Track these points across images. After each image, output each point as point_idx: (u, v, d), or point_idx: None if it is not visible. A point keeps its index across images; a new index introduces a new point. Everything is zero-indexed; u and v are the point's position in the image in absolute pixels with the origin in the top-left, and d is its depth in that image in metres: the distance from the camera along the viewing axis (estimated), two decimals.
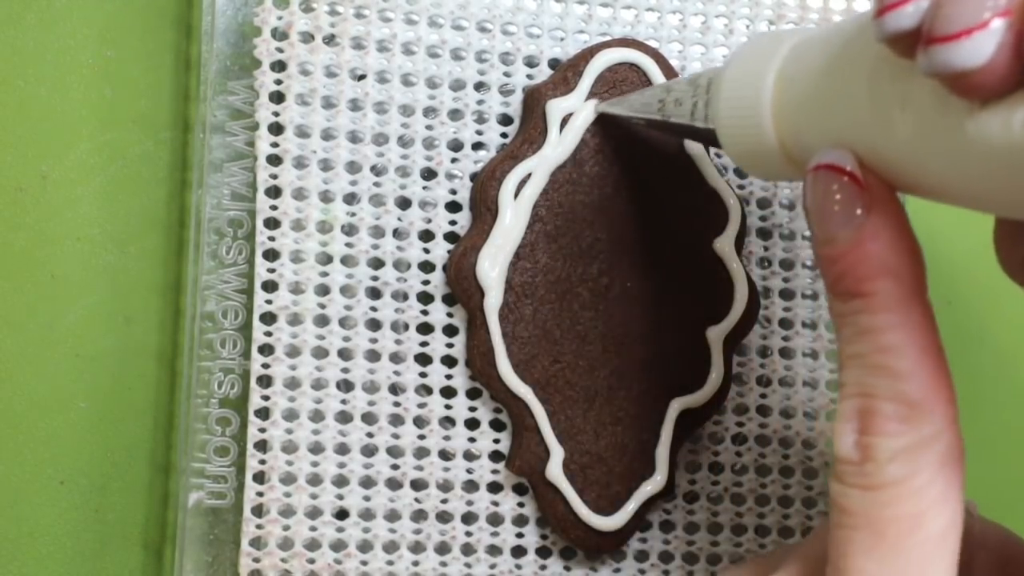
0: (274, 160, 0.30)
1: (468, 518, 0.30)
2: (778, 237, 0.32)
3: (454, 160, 0.31)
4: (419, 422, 0.30)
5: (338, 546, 0.30)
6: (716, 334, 0.31)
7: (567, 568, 0.31)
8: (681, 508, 0.32)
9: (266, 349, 0.29)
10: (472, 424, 0.30)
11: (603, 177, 0.30)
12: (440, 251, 0.30)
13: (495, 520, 0.30)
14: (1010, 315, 0.36)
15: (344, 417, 0.30)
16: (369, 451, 0.30)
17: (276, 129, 0.30)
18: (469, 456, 0.30)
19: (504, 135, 0.31)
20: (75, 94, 0.31)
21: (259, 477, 0.29)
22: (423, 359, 0.30)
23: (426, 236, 0.30)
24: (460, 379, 0.30)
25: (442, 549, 0.30)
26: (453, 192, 0.30)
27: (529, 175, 0.30)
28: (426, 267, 0.30)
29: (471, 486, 0.30)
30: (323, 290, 0.30)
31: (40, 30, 0.31)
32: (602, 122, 0.30)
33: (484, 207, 0.30)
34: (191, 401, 0.29)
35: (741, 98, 0.23)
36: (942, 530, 0.20)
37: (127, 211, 0.31)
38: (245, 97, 0.30)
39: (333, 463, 0.30)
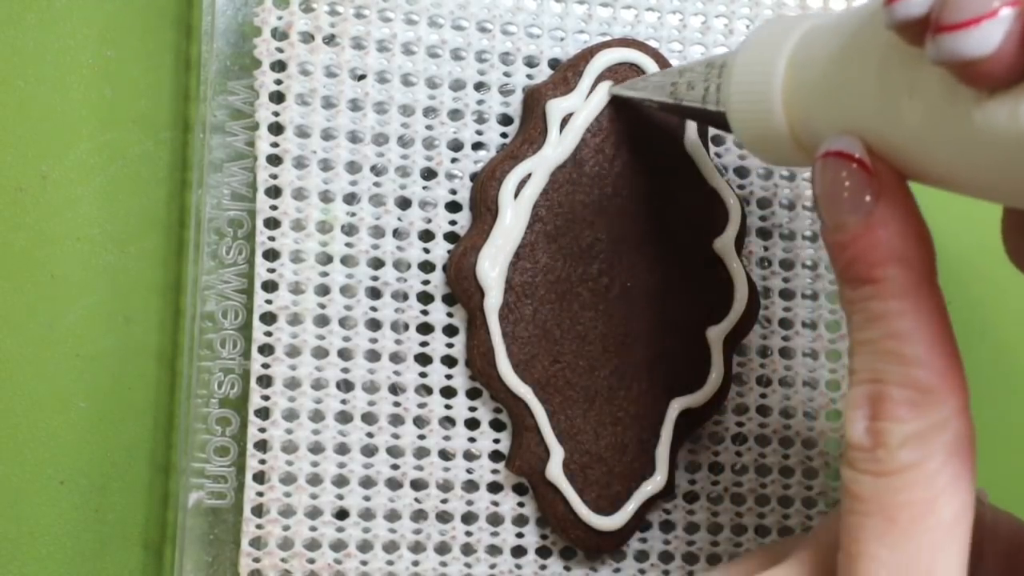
0: (274, 160, 0.30)
1: (468, 518, 0.30)
2: (778, 237, 0.32)
3: (454, 160, 0.31)
4: (419, 422, 0.30)
5: (338, 546, 0.30)
6: (716, 334, 0.31)
7: (567, 568, 0.31)
8: (681, 508, 0.32)
9: (266, 349, 0.29)
10: (472, 424, 0.30)
11: (603, 177, 0.30)
12: (440, 251, 0.30)
13: (495, 520, 0.30)
14: (1011, 309, 0.37)
15: (344, 417, 0.30)
16: (369, 451, 0.30)
17: (276, 129, 0.30)
18: (469, 456, 0.30)
19: (504, 135, 0.31)
20: (75, 94, 0.31)
21: (259, 477, 0.29)
22: (423, 359, 0.30)
23: (426, 236, 0.30)
24: (460, 379, 0.30)
25: (442, 549, 0.30)
26: (453, 192, 0.30)
27: (529, 175, 0.30)
28: (426, 267, 0.30)
29: (471, 486, 0.30)
30: (323, 290, 0.30)
31: (40, 30, 0.31)
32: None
33: (484, 207, 0.30)
34: (191, 401, 0.29)
35: (752, 83, 0.24)
36: (954, 516, 0.20)
37: (127, 211, 0.31)
38: (245, 97, 0.30)
39: (333, 463, 0.30)
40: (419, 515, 0.30)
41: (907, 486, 0.20)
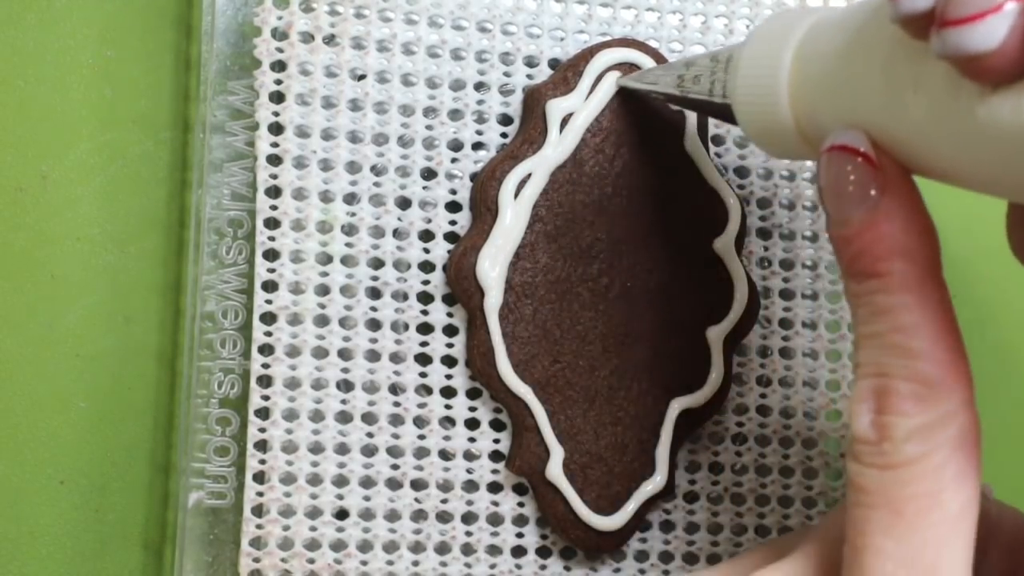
0: (274, 160, 0.30)
1: (468, 518, 0.30)
2: (778, 237, 0.32)
3: (454, 160, 0.31)
4: (419, 422, 0.30)
5: (338, 546, 0.30)
6: (716, 334, 0.31)
7: (567, 568, 0.31)
8: (681, 508, 0.32)
9: (266, 349, 0.29)
10: (472, 424, 0.30)
11: (603, 177, 0.30)
12: (440, 251, 0.30)
13: (495, 520, 0.30)
14: (1011, 306, 0.37)
15: (344, 417, 0.30)
16: (369, 451, 0.30)
17: (276, 129, 0.30)
18: (469, 456, 0.30)
19: (504, 135, 0.31)
20: (75, 94, 0.31)
21: (259, 477, 0.29)
22: (423, 359, 0.30)
23: (426, 236, 0.30)
24: (460, 379, 0.30)
25: (442, 549, 0.30)
26: (453, 192, 0.30)
27: (529, 175, 0.30)
28: (426, 267, 0.30)
29: (471, 486, 0.30)
30: (323, 290, 0.30)
31: (40, 30, 0.31)
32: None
33: (484, 207, 0.30)
34: (191, 401, 0.29)
35: (759, 76, 0.24)
36: (959, 510, 0.20)
37: (127, 211, 0.31)
38: (245, 97, 0.30)
39: (333, 463, 0.30)
40: (419, 515, 0.30)
41: (913, 479, 0.20)
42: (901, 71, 0.20)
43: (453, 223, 0.30)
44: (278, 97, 0.30)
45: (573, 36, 0.31)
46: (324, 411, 0.30)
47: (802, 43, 0.23)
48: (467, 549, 0.30)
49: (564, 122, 0.30)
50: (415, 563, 0.30)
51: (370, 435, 0.30)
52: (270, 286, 0.29)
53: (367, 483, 0.30)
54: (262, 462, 0.29)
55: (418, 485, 0.30)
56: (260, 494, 0.29)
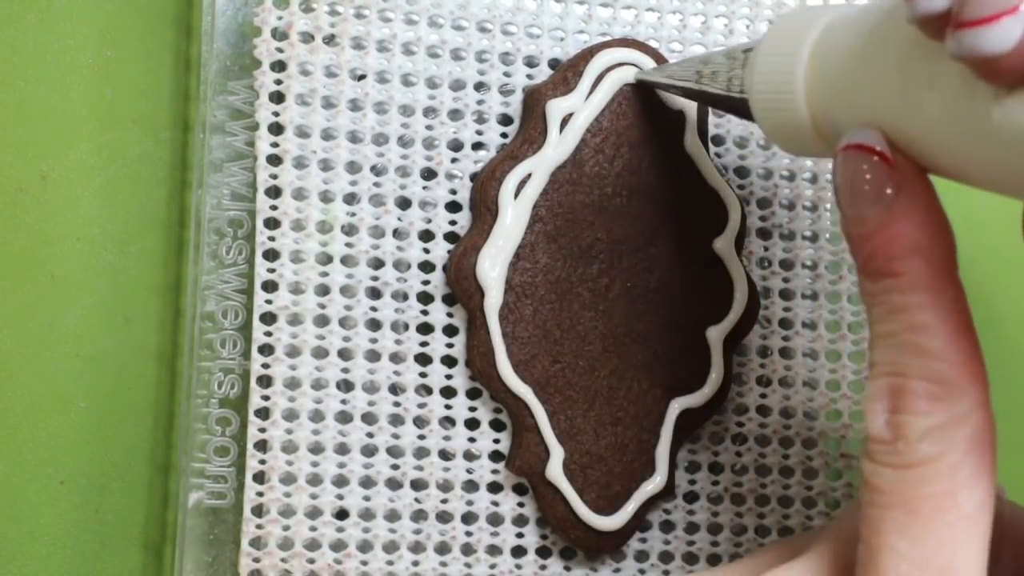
0: (274, 160, 0.30)
1: (468, 518, 0.30)
2: (778, 237, 0.32)
3: (454, 160, 0.31)
4: (419, 422, 0.30)
5: (338, 546, 0.30)
6: (716, 334, 0.31)
7: (567, 568, 0.31)
8: (681, 508, 0.32)
9: (266, 349, 0.29)
10: (472, 424, 0.30)
11: (603, 177, 0.30)
12: (440, 251, 0.30)
13: (495, 520, 0.30)
14: (1017, 307, 0.36)
15: (344, 417, 0.30)
16: (369, 451, 0.30)
17: (276, 129, 0.30)
18: (469, 456, 0.30)
19: (504, 135, 0.31)
20: (75, 94, 0.31)
21: (259, 477, 0.29)
22: (423, 359, 0.30)
23: (426, 236, 0.30)
24: (460, 379, 0.30)
25: (442, 549, 0.30)
26: (453, 192, 0.30)
27: (529, 175, 0.30)
28: (426, 267, 0.30)
29: (471, 486, 0.30)
30: (323, 290, 0.30)
31: (40, 30, 0.31)
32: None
33: (484, 207, 0.30)
34: (191, 401, 0.29)
35: (776, 72, 0.24)
36: (974, 510, 0.20)
37: (127, 211, 0.31)
38: (245, 97, 0.30)
39: (333, 463, 0.30)
40: (419, 515, 0.30)
41: (928, 479, 0.20)
42: (917, 70, 0.20)
43: (453, 223, 0.30)
44: (278, 97, 0.30)
45: (573, 36, 0.31)
46: (324, 411, 0.30)
47: (819, 40, 0.23)
48: (467, 549, 0.30)
49: (564, 122, 0.30)
50: (415, 563, 0.30)
51: (370, 435, 0.30)
52: (270, 286, 0.29)
53: (367, 483, 0.30)
54: (262, 462, 0.29)
55: (418, 485, 0.30)
56: (260, 494, 0.29)
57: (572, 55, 0.31)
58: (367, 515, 0.30)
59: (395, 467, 0.30)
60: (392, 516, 0.30)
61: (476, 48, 0.31)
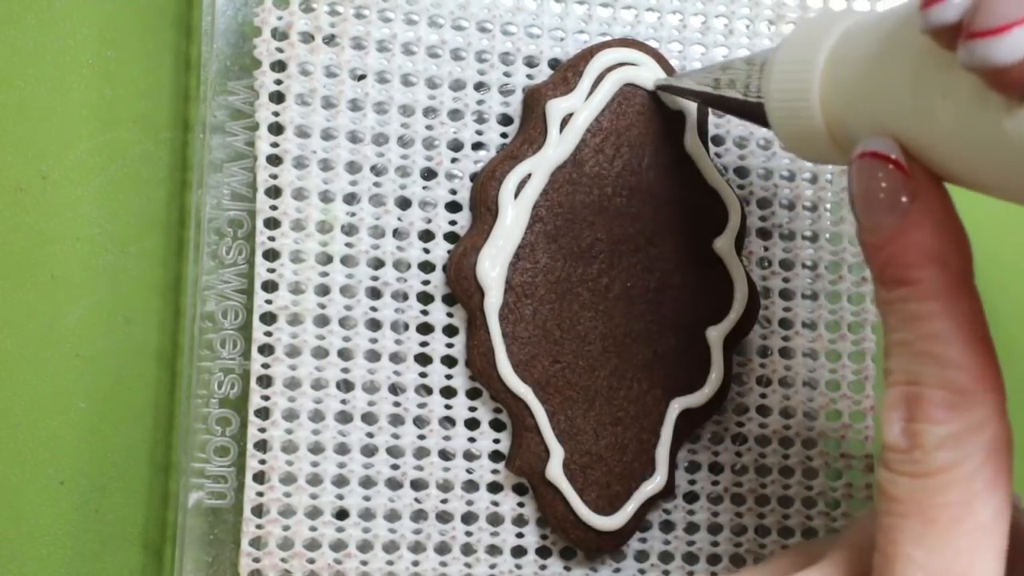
0: (274, 160, 0.30)
1: (468, 518, 0.30)
2: (778, 237, 0.32)
3: (454, 160, 0.31)
4: (419, 422, 0.30)
5: (338, 546, 0.30)
6: (716, 334, 0.31)
7: (567, 568, 0.31)
8: (681, 508, 0.32)
9: (266, 349, 0.29)
10: (472, 424, 0.30)
11: (603, 177, 0.30)
12: (440, 251, 0.30)
13: (495, 520, 0.30)
14: (1020, 311, 0.36)
15: (344, 417, 0.30)
16: (369, 451, 0.30)
17: (276, 129, 0.30)
18: (469, 456, 0.30)
19: (504, 135, 0.31)
20: (75, 94, 0.31)
21: (259, 477, 0.29)
22: (423, 359, 0.30)
23: (426, 236, 0.30)
24: (460, 379, 0.30)
25: (442, 549, 0.30)
26: (453, 192, 0.30)
27: (529, 175, 0.30)
28: (426, 267, 0.30)
29: (471, 486, 0.30)
30: (323, 290, 0.30)
31: (40, 30, 0.31)
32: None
33: (484, 207, 0.30)
34: (191, 401, 0.29)
35: (792, 79, 0.24)
36: (991, 519, 0.20)
37: (127, 211, 0.31)
38: (245, 97, 0.30)
39: (333, 463, 0.30)
40: (419, 515, 0.30)
41: (944, 488, 0.20)
42: (930, 79, 0.20)
43: (453, 223, 0.30)
44: (278, 97, 0.30)
45: (573, 36, 0.31)
46: (324, 411, 0.30)
47: (835, 48, 0.23)
48: (467, 549, 0.30)
49: (564, 122, 0.30)
50: (415, 563, 0.30)
51: (370, 435, 0.30)
52: (270, 286, 0.29)
53: (367, 483, 0.30)
54: (262, 462, 0.29)
55: (418, 485, 0.30)
56: (260, 494, 0.29)
57: (572, 55, 0.31)
58: (367, 515, 0.30)
59: (395, 467, 0.30)
60: (392, 516, 0.30)
61: (476, 48, 0.31)
